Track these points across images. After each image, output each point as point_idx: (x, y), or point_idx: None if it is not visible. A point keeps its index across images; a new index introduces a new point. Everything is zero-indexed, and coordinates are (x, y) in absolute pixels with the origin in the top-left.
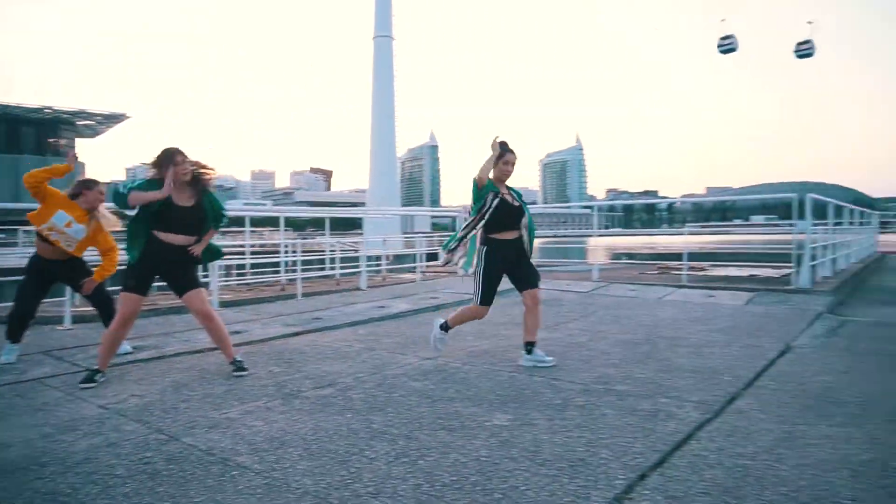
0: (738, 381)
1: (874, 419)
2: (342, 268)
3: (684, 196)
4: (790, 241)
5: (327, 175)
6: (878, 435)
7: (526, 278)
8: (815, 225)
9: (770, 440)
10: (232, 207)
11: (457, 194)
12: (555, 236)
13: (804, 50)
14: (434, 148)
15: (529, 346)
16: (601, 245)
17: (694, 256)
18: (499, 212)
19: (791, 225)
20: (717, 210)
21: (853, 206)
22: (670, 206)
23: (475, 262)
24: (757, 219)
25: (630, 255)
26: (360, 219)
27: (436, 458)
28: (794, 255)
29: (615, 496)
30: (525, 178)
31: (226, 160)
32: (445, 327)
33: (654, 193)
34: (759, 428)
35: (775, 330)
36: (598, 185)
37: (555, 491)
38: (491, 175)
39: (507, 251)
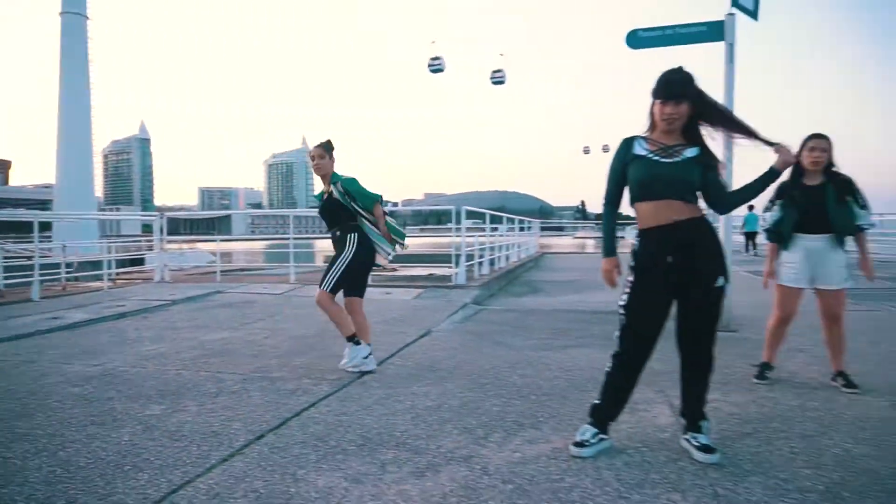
0: (376, 361)
1: (454, 379)
2: (10, 277)
3: (405, 201)
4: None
5: (4, 165)
6: (450, 389)
7: None
8: (472, 229)
9: (371, 401)
10: None
11: (172, 193)
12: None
13: (498, 78)
14: (145, 141)
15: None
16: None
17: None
18: None
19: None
20: (434, 215)
21: (511, 215)
22: (392, 212)
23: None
24: (467, 223)
25: None
26: (48, 221)
27: (77, 448)
28: (454, 256)
29: (231, 453)
30: (249, 178)
31: None
32: (356, 341)
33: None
34: (369, 393)
35: (426, 319)
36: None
37: (181, 457)
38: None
39: None
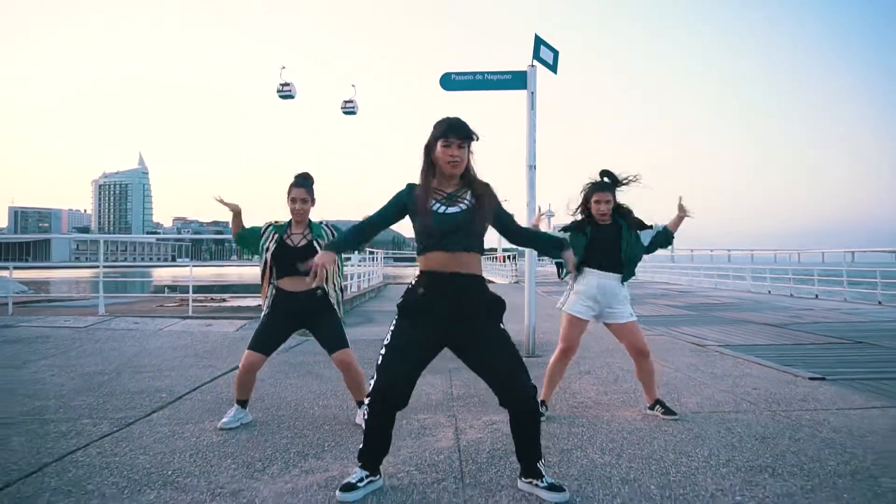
0: (171, 396)
1: (251, 412)
2: None
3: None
4: None
5: None
6: (243, 422)
7: None
8: None
9: (151, 440)
10: None
11: None
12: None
13: (349, 108)
14: None
15: None
16: (168, 276)
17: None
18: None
19: None
20: None
21: None
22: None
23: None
24: None
25: (173, 288)
26: None
27: None
28: None
29: None
30: (75, 199)
31: None
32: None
33: (224, 224)
34: (152, 432)
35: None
36: (164, 212)
37: None
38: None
39: None
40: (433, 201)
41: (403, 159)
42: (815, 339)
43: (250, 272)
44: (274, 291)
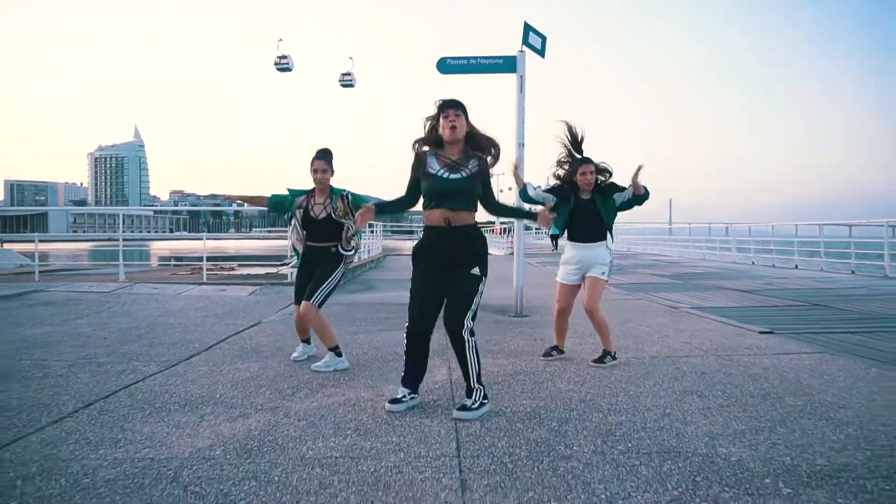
0: (202, 346)
1: (274, 357)
2: None
3: None
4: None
5: None
6: (270, 364)
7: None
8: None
9: (196, 375)
10: None
11: None
12: (109, 239)
13: (347, 80)
14: None
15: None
16: (166, 248)
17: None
18: None
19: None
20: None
21: None
22: (237, 212)
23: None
24: None
25: (179, 258)
26: None
27: None
28: (290, 256)
29: (61, 416)
30: (71, 173)
31: None
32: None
33: (221, 197)
34: (194, 370)
35: (257, 312)
36: (161, 185)
37: (12, 423)
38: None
39: None
40: (438, 167)
41: (403, 158)
42: (778, 302)
43: (248, 245)
44: (304, 248)
